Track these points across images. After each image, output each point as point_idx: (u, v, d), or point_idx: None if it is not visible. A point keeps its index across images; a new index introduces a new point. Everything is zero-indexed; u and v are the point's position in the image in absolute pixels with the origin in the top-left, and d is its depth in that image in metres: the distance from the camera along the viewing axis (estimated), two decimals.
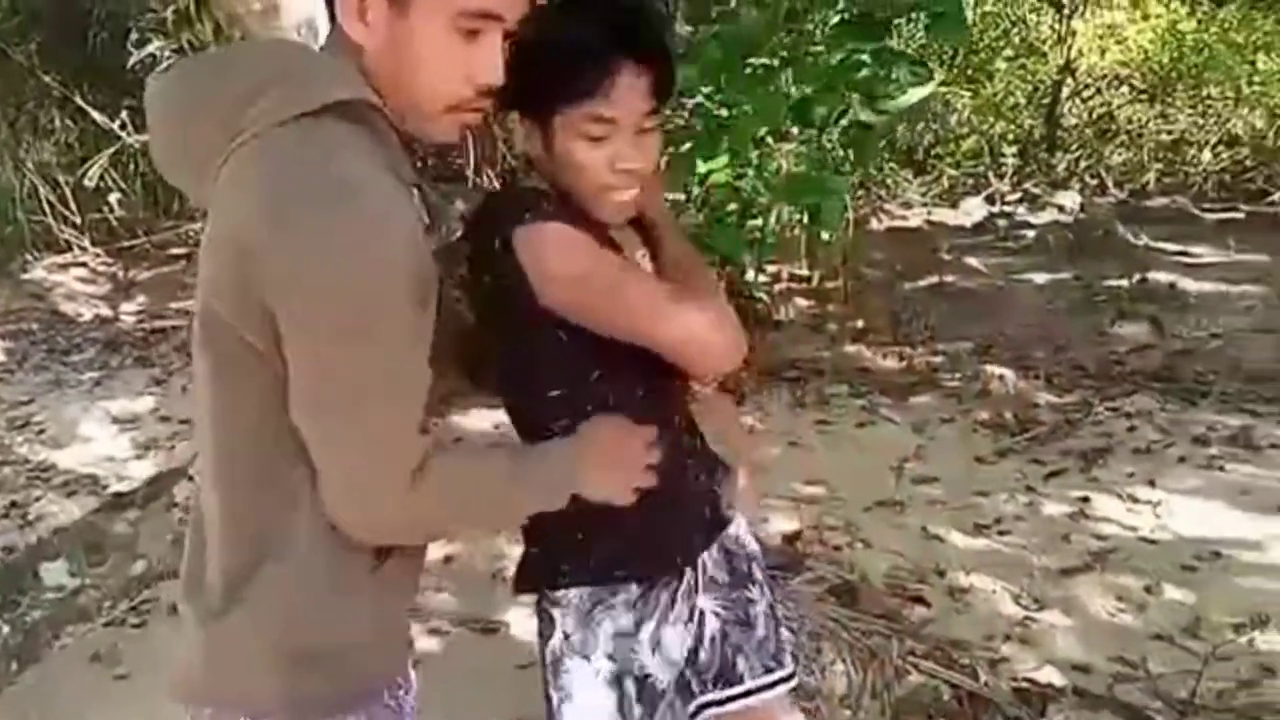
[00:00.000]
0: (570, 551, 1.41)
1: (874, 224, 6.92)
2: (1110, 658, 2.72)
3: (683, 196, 4.96)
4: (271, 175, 0.97)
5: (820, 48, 3.36)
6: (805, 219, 4.90)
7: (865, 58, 3.23)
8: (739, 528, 1.55)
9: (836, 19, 3.19)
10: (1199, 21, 8.96)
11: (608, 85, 1.27)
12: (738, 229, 4.83)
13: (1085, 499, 3.50)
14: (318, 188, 0.95)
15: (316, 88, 1.00)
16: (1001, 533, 3.37)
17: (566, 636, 1.44)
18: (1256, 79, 8.26)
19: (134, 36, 6.25)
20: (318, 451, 1.03)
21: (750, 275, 4.83)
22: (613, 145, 1.30)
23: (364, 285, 0.95)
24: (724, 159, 4.87)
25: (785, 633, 1.58)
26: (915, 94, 2.80)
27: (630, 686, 1.45)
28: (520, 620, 2.84)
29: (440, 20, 1.02)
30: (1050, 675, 2.66)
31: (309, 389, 1.01)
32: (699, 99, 3.39)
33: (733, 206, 4.91)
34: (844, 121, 3.28)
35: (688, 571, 1.48)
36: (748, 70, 3.16)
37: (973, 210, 7.66)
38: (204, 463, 1.13)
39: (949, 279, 5.87)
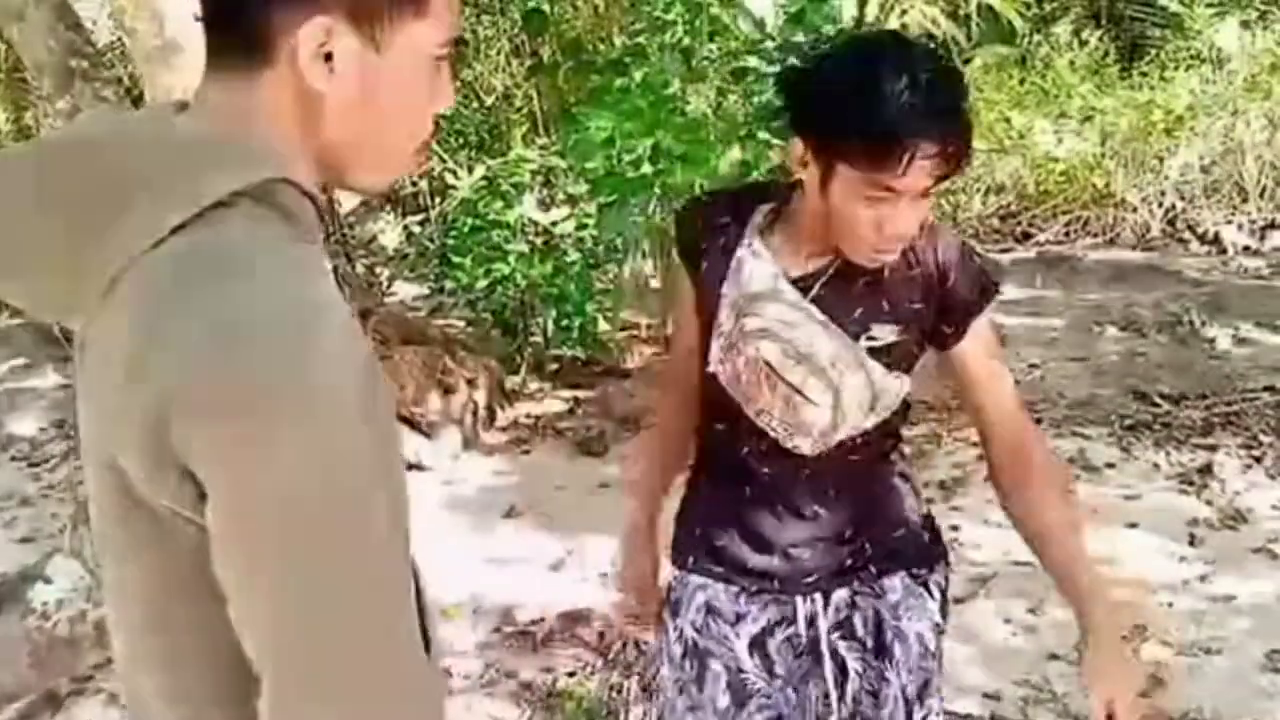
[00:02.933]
0: (686, 535, 1.64)
1: None
2: (1015, 682, 2.78)
3: (526, 248, 4.91)
4: (184, 313, 0.76)
5: (735, 95, 3.41)
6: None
7: (779, 104, 3.28)
8: (910, 611, 1.57)
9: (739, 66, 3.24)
10: None
11: (904, 165, 1.26)
12: (581, 278, 4.82)
13: (955, 527, 3.60)
14: (248, 327, 0.75)
15: (205, 181, 0.81)
16: None
17: (669, 591, 1.64)
18: (1013, 133, 8.99)
19: None
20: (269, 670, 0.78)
21: (602, 324, 4.79)
22: (887, 208, 1.30)
23: (327, 451, 0.75)
24: (565, 209, 4.87)
25: None
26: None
27: (719, 669, 1.57)
28: None
29: (421, 54, 0.89)
30: (967, 705, 2.69)
31: (260, 591, 0.77)
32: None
33: (575, 256, 4.90)
34: (765, 166, 3.32)
35: (798, 601, 1.56)
36: (678, 119, 3.14)
37: None
38: (127, 648, 0.90)
39: None
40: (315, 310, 0.78)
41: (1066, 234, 8.12)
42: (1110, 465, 4.06)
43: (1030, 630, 3.03)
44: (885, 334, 1.44)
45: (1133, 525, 3.60)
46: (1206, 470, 3.94)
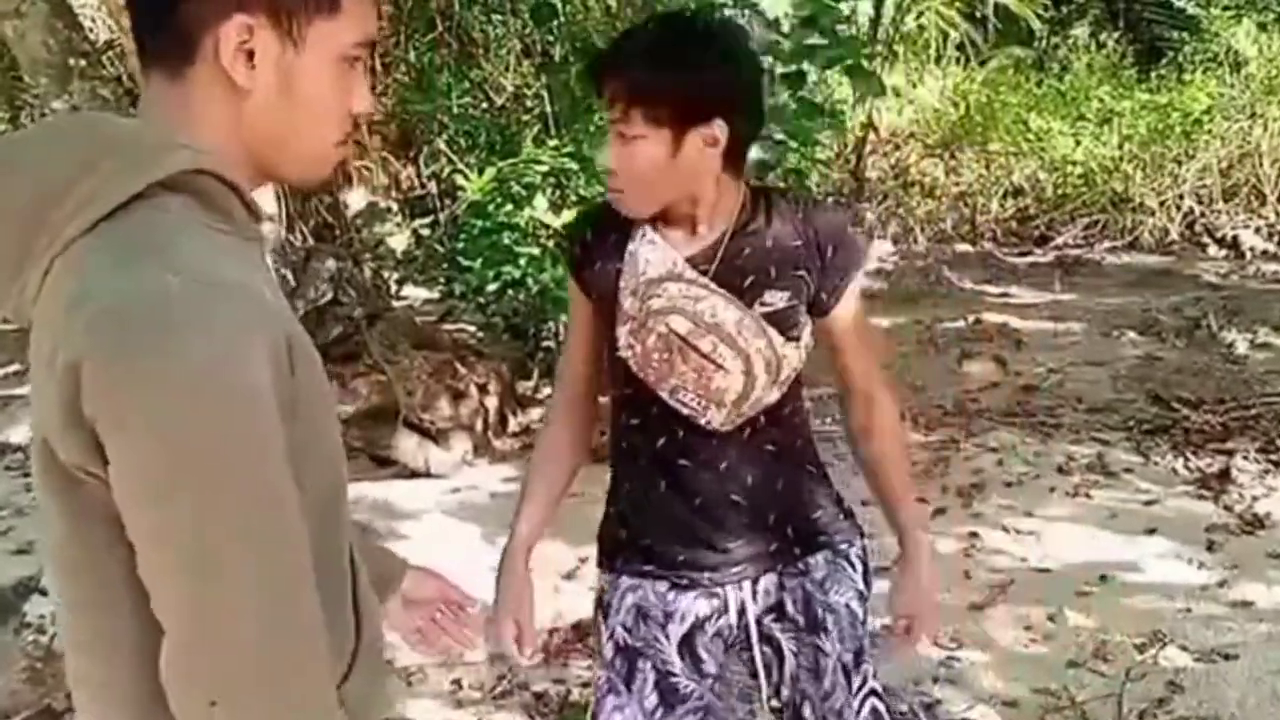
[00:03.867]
0: (612, 539, 1.67)
1: None
2: (1034, 690, 2.74)
3: (537, 250, 4.88)
4: (95, 292, 0.82)
5: None
6: None
7: (793, 106, 3.27)
8: (836, 585, 1.63)
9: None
10: (972, 82, 9.66)
11: (601, 89, 1.47)
12: None
13: (974, 534, 3.56)
14: (148, 306, 0.81)
15: (130, 173, 0.87)
16: None
17: (600, 594, 1.68)
18: (1030, 135, 8.94)
19: None
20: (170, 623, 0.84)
21: None
22: (614, 142, 1.47)
23: (214, 430, 0.81)
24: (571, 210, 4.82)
25: (854, 700, 1.63)
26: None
27: (648, 670, 1.61)
28: None
29: (335, 54, 0.95)
30: (985, 712, 2.66)
31: (154, 557, 0.83)
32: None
33: None
34: (783, 166, 3.28)
35: (729, 592, 1.61)
36: None
37: None
38: (64, 619, 0.95)
39: None
40: (219, 290, 0.83)
41: (1085, 237, 8.06)
42: (1129, 470, 4.01)
43: (1049, 637, 2.99)
44: (776, 300, 1.53)
45: (1151, 531, 3.56)
46: (1224, 475, 3.90)
